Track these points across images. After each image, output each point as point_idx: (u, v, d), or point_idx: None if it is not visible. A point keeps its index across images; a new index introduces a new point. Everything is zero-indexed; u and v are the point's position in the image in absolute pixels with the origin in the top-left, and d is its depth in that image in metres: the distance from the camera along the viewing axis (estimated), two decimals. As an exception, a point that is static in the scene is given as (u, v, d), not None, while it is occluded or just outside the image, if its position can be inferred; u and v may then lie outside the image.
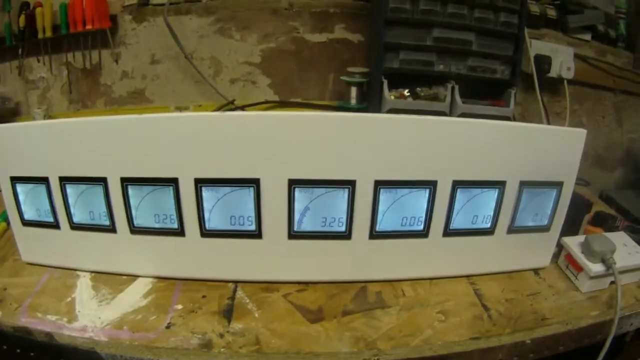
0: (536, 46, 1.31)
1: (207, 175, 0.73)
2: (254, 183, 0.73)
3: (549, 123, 1.36)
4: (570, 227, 0.89)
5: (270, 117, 0.73)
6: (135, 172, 0.74)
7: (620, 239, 0.86)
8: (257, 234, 0.76)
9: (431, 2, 1.12)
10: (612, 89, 1.44)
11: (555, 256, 0.89)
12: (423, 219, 0.77)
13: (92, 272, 0.82)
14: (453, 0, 1.13)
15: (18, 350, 0.72)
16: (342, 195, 0.73)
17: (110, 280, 0.80)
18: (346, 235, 0.76)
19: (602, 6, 1.42)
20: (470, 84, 1.18)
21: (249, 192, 0.73)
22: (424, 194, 0.75)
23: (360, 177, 0.73)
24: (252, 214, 0.75)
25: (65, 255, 0.82)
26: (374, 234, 0.77)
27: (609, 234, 0.85)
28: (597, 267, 0.79)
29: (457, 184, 0.76)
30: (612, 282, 0.80)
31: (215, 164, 0.72)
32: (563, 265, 0.87)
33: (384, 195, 0.74)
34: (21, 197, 0.79)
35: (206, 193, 0.74)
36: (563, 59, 1.31)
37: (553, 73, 1.32)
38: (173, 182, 0.74)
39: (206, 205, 0.75)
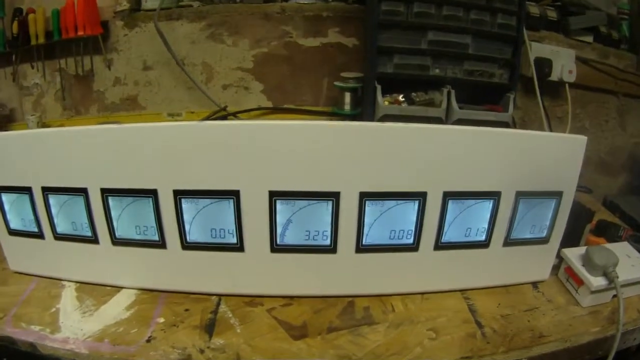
0: (536, 49, 1.28)
1: (186, 186, 0.71)
2: (234, 195, 0.70)
3: (550, 128, 1.33)
4: (571, 237, 0.86)
5: (249, 127, 0.70)
6: (115, 183, 0.73)
7: (623, 249, 0.83)
8: (238, 247, 0.74)
9: (425, 4, 1.10)
10: (615, 92, 1.41)
11: (556, 268, 0.85)
12: (412, 232, 0.74)
13: (76, 282, 0.82)
14: (448, 2, 1.10)
15: (5, 359, 0.72)
16: (326, 207, 0.71)
17: (95, 291, 0.79)
18: (331, 249, 0.74)
19: (604, 7, 1.39)
20: (467, 88, 1.15)
21: (229, 204, 0.71)
22: (413, 206, 0.72)
23: (344, 189, 0.70)
24: (233, 226, 0.73)
25: (50, 265, 0.82)
26: (361, 248, 0.74)
27: (611, 245, 0.82)
28: (598, 281, 0.76)
29: (448, 195, 0.73)
30: (615, 296, 0.77)
31: (194, 175, 0.71)
32: (563, 278, 0.84)
33: (370, 208, 0.71)
34: (6, 207, 0.80)
35: (186, 205, 0.72)
36: (564, 62, 1.28)
37: (554, 76, 1.28)
38: (152, 193, 0.72)
39: (186, 217, 0.73)
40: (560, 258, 0.84)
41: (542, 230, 0.80)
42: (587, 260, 0.78)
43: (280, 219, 0.72)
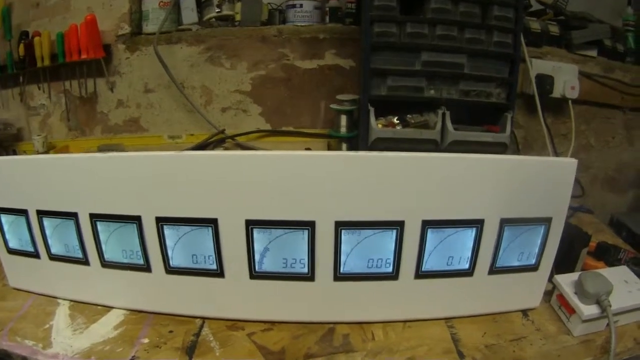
0: (537, 65, 1.27)
1: (167, 214, 0.73)
2: (212, 223, 0.72)
3: (553, 146, 1.30)
4: (566, 262, 0.84)
5: (225, 157, 0.72)
6: (103, 209, 0.75)
7: (621, 275, 0.80)
8: (219, 273, 0.75)
9: (418, 25, 1.08)
10: (620, 106, 1.39)
11: (549, 294, 0.82)
12: (391, 260, 0.73)
13: (70, 300, 0.84)
14: (442, 22, 1.08)
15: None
16: (302, 236, 0.71)
17: (87, 310, 0.82)
18: (309, 277, 0.74)
19: (608, 20, 1.37)
20: (464, 109, 1.14)
21: (208, 232, 0.72)
22: (391, 235, 0.72)
23: (319, 218, 0.70)
24: (213, 253, 0.73)
25: (46, 284, 0.85)
26: (339, 276, 0.74)
27: (609, 270, 0.80)
28: (590, 310, 0.73)
29: (427, 224, 0.72)
30: (608, 324, 0.74)
31: (174, 203, 0.72)
32: (555, 305, 0.81)
33: (347, 236, 0.71)
34: (5, 227, 0.83)
35: (167, 231, 0.74)
36: (566, 78, 1.26)
37: (556, 93, 1.27)
38: (136, 219, 0.74)
39: (168, 243, 0.74)
40: (553, 284, 0.81)
41: (531, 257, 0.77)
42: (579, 288, 0.75)
43: (257, 247, 0.72)
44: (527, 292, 0.81)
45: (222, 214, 0.71)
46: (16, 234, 0.82)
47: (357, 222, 0.71)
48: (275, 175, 0.69)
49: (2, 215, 0.82)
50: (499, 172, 0.72)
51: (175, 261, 0.75)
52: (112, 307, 0.82)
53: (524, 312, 0.81)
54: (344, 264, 0.73)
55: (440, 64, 1.11)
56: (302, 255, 0.72)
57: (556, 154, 1.29)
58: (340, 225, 0.71)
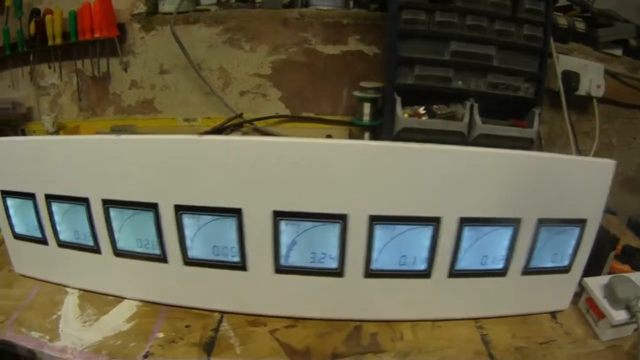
0: (564, 62, 1.23)
1: (187, 202, 0.68)
2: (236, 213, 0.67)
3: (576, 144, 1.27)
4: (593, 265, 0.80)
5: (253, 143, 0.67)
6: (116, 195, 0.71)
7: (647, 278, 0.77)
8: (241, 266, 0.71)
9: (448, 14, 1.05)
10: (644, 107, 1.35)
11: (576, 296, 0.80)
12: (425, 258, 0.70)
13: (79, 289, 0.81)
14: (472, 12, 1.06)
15: (5, 361, 0.73)
16: (333, 230, 0.67)
17: (97, 300, 0.78)
18: (338, 272, 0.70)
19: (634, 19, 1.34)
20: (491, 102, 1.11)
21: (231, 222, 0.68)
22: (426, 232, 0.68)
23: (353, 211, 0.66)
24: (236, 245, 0.69)
25: (54, 271, 0.81)
26: (370, 273, 0.70)
27: (636, 274, 0.76)
28: (620, 315, 0.70)
29: (464, 222, 0.68)
30: (637, 329, 0.71)
31: (195, 191, 0.68)
32: (583, 308, 0.78)
33: (380, 232, 0.67)
34: (11, 211, 0.79)
35: (187, 220, 0.69)
36: (592, 76, 1.23)
37: (582, 91, 1.24)
38: (153, 207, 0.70)
39: (187, 233, 0.70)
40: (581, 286, 0.79)
41: (564, 259, 0.74)
42: (609, 292, 0.73)
43: (284, 240, 0.68)
44: (557, 294, 0.78)
45: (247, 204, 0.67)
46: (23, 218, 0.79)
47: (392, 217, 0.67)
48: (307, 164, 0.65)
49: (8, 198, 0.78)
50: (538, 170, 0.68)
51: (194, 252, 0.71)
52: (123, 298, 0.78)
53: (553, 314, 0.79)
54: (376, 260, 0.69)
55: (469, 54, 1.08)
56: (332, 249, 0.69)
57: (579, 153, 1.27)
58: (374, 220, 0.67)
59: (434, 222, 0.68)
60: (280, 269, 0.70)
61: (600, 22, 1.30)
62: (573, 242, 0.73)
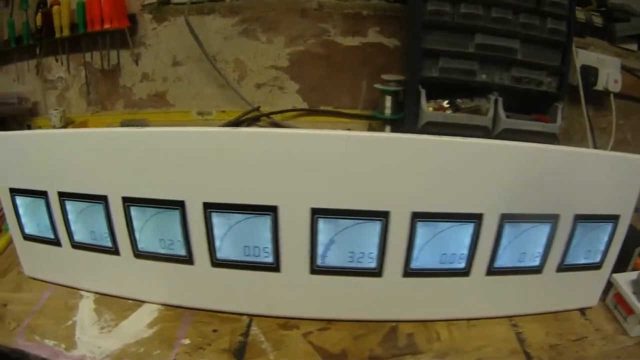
0: (582, 56, 1.21)
1: (217, 199, 0.65)
2: (271, 211, 0.64)
3: (594, 139, 1.26)
4: (619, 262, 0.79)
5: (289, 135, 0.64)
6: (138, 192, 0.67)
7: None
8: (274, 267, 0.68)
9: (473, 5, 1.04)
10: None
11: (604, 293, 0.79)
12: (465, 256, 0.68)
13: (95, 293, 0.77)
14: (497, 4, 1.04)
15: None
16: (373, 228, 0.64)
17: (115, 304, 0.74)
18: (377, 272, 0.67)
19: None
20: (513, 96, 1.09)
21: (266, 221, 0.65)
22: (468, 229, 0.66)
23: (394, 208, 0.64)
24: (269, 245, 0.66)
25: (67, 274, 0.78)
26: (409, 272, 0.68)
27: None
28: (649, 311, 0.69)
29: (505, 218, 0.66)
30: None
31: (226, 187, 0.64)
32: (611, 304, 0.77)
33: (422, 229, 0.65)
34: (21, 210, 0.75)
35: (216, 219, 0.66)
36: (610, 71, 1.21)
37: (599, 86, 1.22)
38: (179, 205, 0.66)
39: (217, 232, 0.67)
40: (608, 283, 0.78)
41: (597, 255, 0.73)
42: (638, 288, 0.72)
43: (322, 239, 0.65)
44: (588, 290, 0.77)
45: (284, 201, 0.64)
46: (34, 218, 0.74)
47: (436, 214, 0.65)
48: (346, 158, 0.62)
49: (17, 197, 0.73)
50: (575, 166, 0.67)
51: (224, 253, 0.68)
52: (143, 302, 0.74)
53: (582, 311, 0.78)
54: (416, 258, 0.67)
55: (494, 47, 1.07)
56: (372, 248, 0.66)
57: (595, 148, 1.25)
58: (417, 217, 0.64)
59: (476, 218, 0.65)
60: (316, 270, 0.68)
61: (617, 16, 1.28)
62: (605, 239, 0.72)
